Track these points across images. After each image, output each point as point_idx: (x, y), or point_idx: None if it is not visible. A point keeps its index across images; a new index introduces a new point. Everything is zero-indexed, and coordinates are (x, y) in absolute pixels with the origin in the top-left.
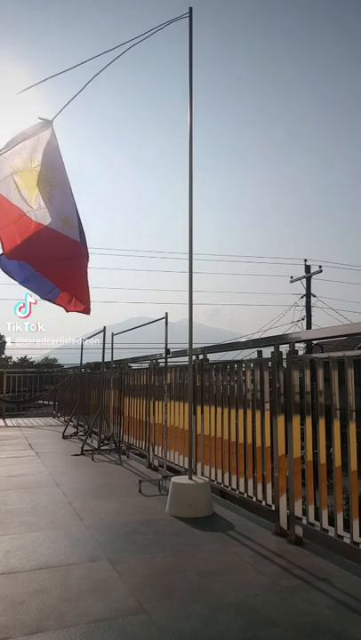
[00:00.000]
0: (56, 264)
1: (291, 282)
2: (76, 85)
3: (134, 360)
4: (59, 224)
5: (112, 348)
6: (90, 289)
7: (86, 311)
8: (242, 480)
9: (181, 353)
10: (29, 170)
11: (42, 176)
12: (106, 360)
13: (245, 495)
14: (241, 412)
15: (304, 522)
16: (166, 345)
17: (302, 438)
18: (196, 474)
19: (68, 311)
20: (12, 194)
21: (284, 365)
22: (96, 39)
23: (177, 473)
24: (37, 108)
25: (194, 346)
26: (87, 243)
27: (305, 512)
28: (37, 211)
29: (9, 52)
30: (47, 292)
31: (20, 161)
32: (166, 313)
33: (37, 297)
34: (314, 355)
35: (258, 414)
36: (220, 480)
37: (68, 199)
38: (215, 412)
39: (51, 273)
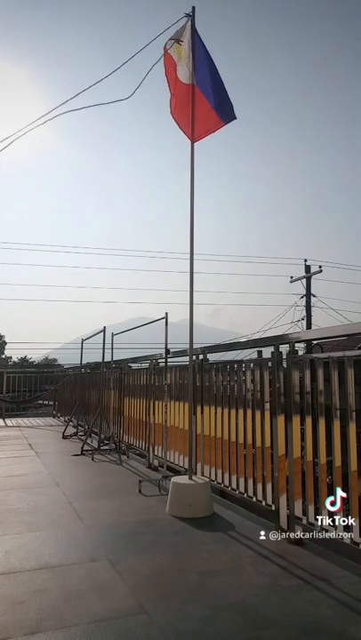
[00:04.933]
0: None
1: (291, 282)
2: (79, 85)
3: (134, 360)
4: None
5: (112, 348)
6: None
7: (219, 126)
8: (242, 480)
9: (181, 353)
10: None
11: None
12: (106, 360)
13: (245, 495)
14: (241, 411)
15: (304, 522)
16: (166, 345)
17: (302, 438)
18: (196, 474)
19: (203, 136)
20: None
21: (285, 365)
22: (97, 38)
23: (177, 473)
24: (38, 108)
25: (194, 346)
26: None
27: (305, 512)
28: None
29: (9, 52)
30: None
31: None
32: (166, 313)
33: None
34: (314, 355)
35: (258, 414)
36: (220, 480)
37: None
38: (215, 412)
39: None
